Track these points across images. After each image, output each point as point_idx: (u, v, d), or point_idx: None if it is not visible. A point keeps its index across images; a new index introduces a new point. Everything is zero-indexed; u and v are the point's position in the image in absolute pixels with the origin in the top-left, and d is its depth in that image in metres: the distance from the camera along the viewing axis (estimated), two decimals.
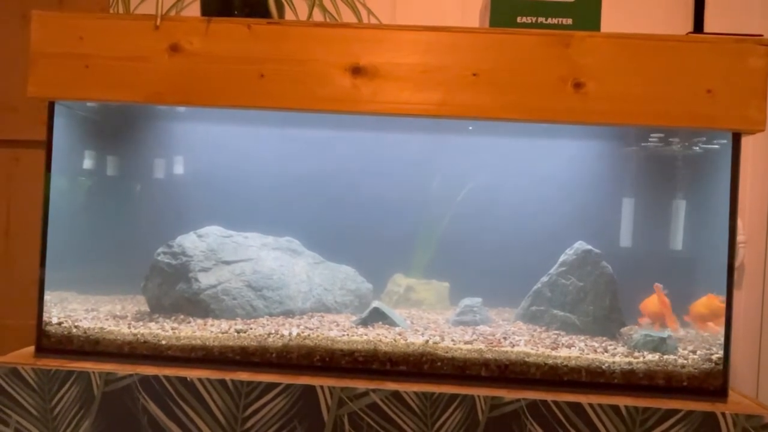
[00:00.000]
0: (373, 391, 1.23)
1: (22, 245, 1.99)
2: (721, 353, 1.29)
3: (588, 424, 1.21)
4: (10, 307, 1.97)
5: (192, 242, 1.50)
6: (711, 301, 1.37)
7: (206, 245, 1.50)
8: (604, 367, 1.28)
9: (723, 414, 1.19)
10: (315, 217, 1.61)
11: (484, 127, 1.51)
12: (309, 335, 1.34)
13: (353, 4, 1.53)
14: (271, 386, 1.24)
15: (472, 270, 1.61)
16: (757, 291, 1.95)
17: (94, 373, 1.26)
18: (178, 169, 1.63)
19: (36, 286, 1.36)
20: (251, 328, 1.36)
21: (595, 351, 1.33)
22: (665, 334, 1.35)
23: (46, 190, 1.35)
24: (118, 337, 1.34)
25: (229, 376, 1.26)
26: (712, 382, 1.27)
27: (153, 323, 1.40)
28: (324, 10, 1.54)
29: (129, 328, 1.36)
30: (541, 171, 1.59)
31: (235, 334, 1.34)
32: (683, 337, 1.41)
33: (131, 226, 1.61)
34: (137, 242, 1.59)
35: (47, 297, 1.36)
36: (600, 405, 1.21)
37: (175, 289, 1.46)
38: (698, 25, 1.93)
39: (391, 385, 1.25)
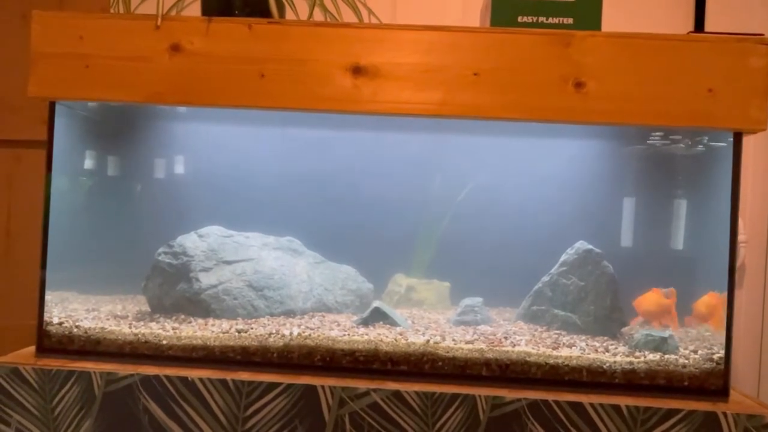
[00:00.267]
0: (374, 390, 1.23)
1: (23, 245, 1.99)
2: (722, 353, 1.28)
3: (589, 424, 1.21)
4: (11, 307, 1.97)
5: (193, 242, 1.50)
6: (710, 300, 1.38)
7: (207, 245, 1.50)
8: (605, 366, 1.28)
9: (724, 414, 1.19)
10: (316, 217, 1.61)
11: (485, 127, 1.51)
12: (310, 335, 1.34)
13: (354, 3, 1.53)
14: (272, 386, 1.24)
15: (473, 270, 1.61)
16: (758, 290, 1.95)
17: (95, 373, 1.26)
18: (179, 168, 1.63)
19: (37, 286, 1.36)
20: (252, 328, 1.36)
21: (596, 351, 1.33)
22: (666, 333, 1.35)
23: (46, 190, 1.35)
24: (119, 337, 1.34)
25: (230, 375, 1.26)
26: (713, 382, 1.27)
27: (154, 323, 1.40)
28: (325, 9, 1.54)
29: (130, 328, 1.36)
30: (541, 170, 1.59)
31: (236, 333, 1.34)
32: (683, 337, 1.41)
33: (132, 226, 1.61)
34: (138, 242, 1.59)
35: (48, 297, 1.36)
36: (601, 405, 1.21)
37: (175, 289, 1.46)
38: (699, 24, 1.93)
39: (392, 385, 1.25)
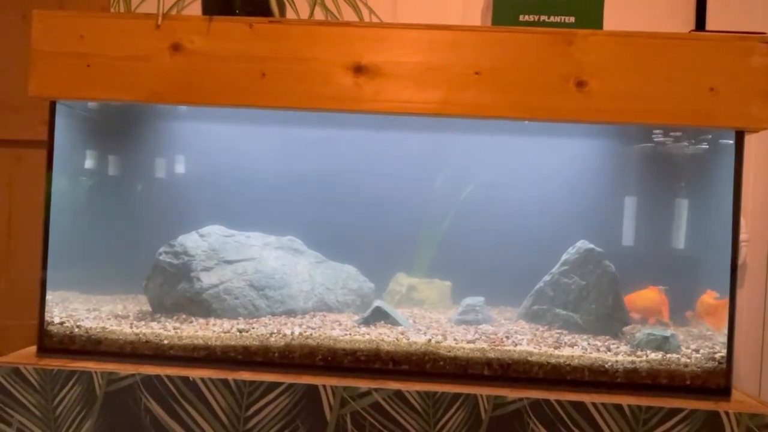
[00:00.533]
0: (376, 390, 1.23)
1: (24, 245, 1.99)
2: (724, 352, 1.28)
3: (591, 423, 1.21)
4: (12, 306, 1.97)
5: (194, 242, 1.50)
6: (707, 298, 1.38)
7: (208, 245, 1.50)
8: (607, 366, 1.28)
9: (726, 413, 1.19)
10: (317, 216, 1.61)
11: (486, 126, 1.51)
12: (311, 335, 1.34)
13: (354, 2, 1.52)
14: (274, 386, 1.24)
15: (474, 269, 1.61)
16: (760, 289, 1.95)
17: (96, 372, 1.26)
18: (180, 168, 1.63)
19: (38, 286, 1.36)
20: (253, 328, 1.36)
21: (598, 350, 1.32)
22: (668, 332, 1.35)
23: (47, 189, 1.35)
24: (120, 337, 1.33)
25: (231, 375, 1.26)
26: (715, 381, 1.27)
27: (155, 323, 1.40)
28: (325, 9, 1.54)
29: (131, 327, 1.36)
30: (543, 170, 1.59)
31: (238, 333, 1.34)
32: (677, 334, 1.41)
33: (133, 225, 1.61)
34: (139, 242, 1.59)
35: (49, 296, 1.36)
36: (603, 404, 1.21)
37: (176, 289, 1.45)
38: (700, 23, 1.93)
39: (393, 385, 1.25)
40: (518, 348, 1.32)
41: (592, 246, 1.48)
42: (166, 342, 1.33)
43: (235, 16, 1.32)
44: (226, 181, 1.61)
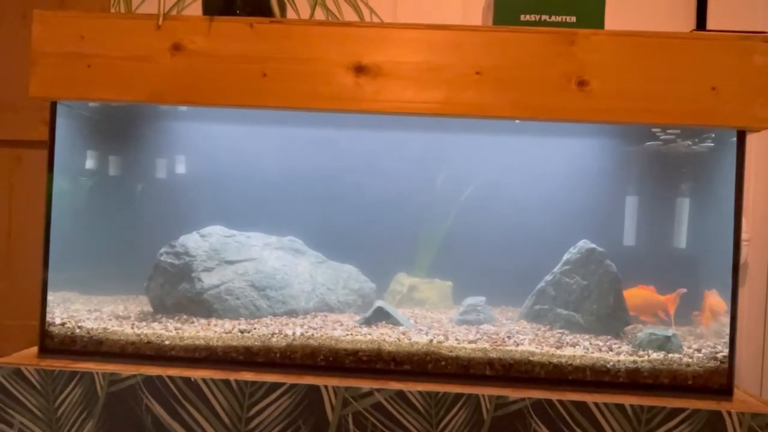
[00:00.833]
0: (378, 390, 1.23)
1: (24, 245, 1.99)
2: (725, 351, 1.28)
3: (593, 423, 1.21)
4: (12, 307, 1.97)
5: (195, 242, 1.50)
6: (708, 299, 1.38)
7: (209, 245, 1.50)
8: (608, 365, 1.28)
9: (729, 413, 1.19)
10: (318, 216, 1.61)
11: (487, 126, 1.51)
12: (313, 335, 1.33)
13: (355, 2, 1.52)
14: (275, 386, 1.24)
15: (475, 269, 1.61)
16: (761, 289, 1.95)
17: (97, 373, 1.26)
18: (181, 168, 1.63)
19: (38, 287, 1.36)
20: (255, 328, 1.36)
21: (600, 350, 1.32)
22: (670, 332, 1.34)
23: (48, 190, 1.35)
24: (122, 338, 1.33)
25: (233, 376, 1.26)
26: (717, 381, 1.27)
27: (156, 323, 1.40)
28: (326, 9, 1.53)
29: (132, 328, 1.36)
30: (544, 169, 1.59)
31: (239, 334, 1.34)
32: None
33: (134, 226, 1.61)
34: (140, 242, 1.58)
35: (50, 297, 1.36)
36: (605, 404, 1.21)
37: (178, 289, 1.45)
38: (700, 22, 1.93)
39: (395, 385, 1.25)
40: (520, 348, 1.32)
41: (593, 246, 1.48)
42: (167, 342, 1.33)
43: (235, 16, 1.32)
44: (227, 182, 1.61)
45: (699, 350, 1.32)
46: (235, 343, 1.32)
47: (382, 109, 1.27)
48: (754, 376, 1.94)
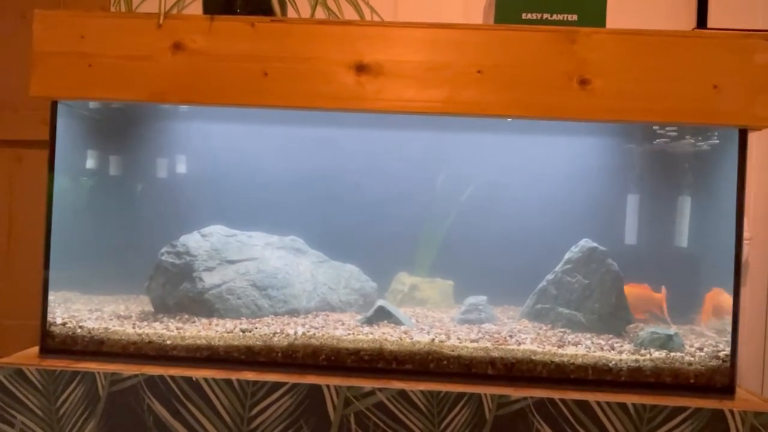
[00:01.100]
0: (380, 390, 1.23)
1: (25, 245, 1.99)
2: (727, 350, 1.28)
3: (595, 422, 1.20)
4: (13, 307, 1.97)
5: (196, 242, 1.50)
6: (710, 298, 1.38)
7: (210, 244, 1.50)
8: (610, 364, 1.28)
9: (731, 411, 1.19)
10: (319, 216, 1.61)
11: (489, 125, 1.50)
12: (314, 334, 1.33)
13: (355, 2, 1.52)
14: (277, 385, 1.24)
15: (477, 268, 1.61)
16: (762, 288, 1.95)
17: (99, 373, 1.25)
18: (182, 168, 1.63)
19: (38, 287, 1.35)
20: (256, 328, 1.36)
21: (602, 349, 1.32)
22: (671, 331, 1.34)
23: (49, 189, 1.35)
24: (123, 338, 1.33)
25: (234, 375, 1.25)
26: (719, 380, 1.27)
27: (157, 323, 1.39)
28: (327, 8, 1.53)
29: (134, 328, 1.36)
30: (545, 168, 1.59)
31: (240, 333, 1.34)
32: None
33: (134, 225, 1.61)
34: (141, 242, 1.58)
35: (51, 297, 1.36)
36: (607, 403, 1.20)
37: (179, 289, 1.45)
38: (701, 20, 1.93)
39: (397, 384, 1.25)
40: (522, 347, 1.32)
41: (595, 245, 1.48)
42: (168, 342, 1.32)
43: (236, 15, 1.31)
44: (228, 181, 1.61)
45: (701, 349, 1.32)
46: (236, 343, 1.32)
47: (384, 108, 1.27)
48: (755, 375, 1.94)
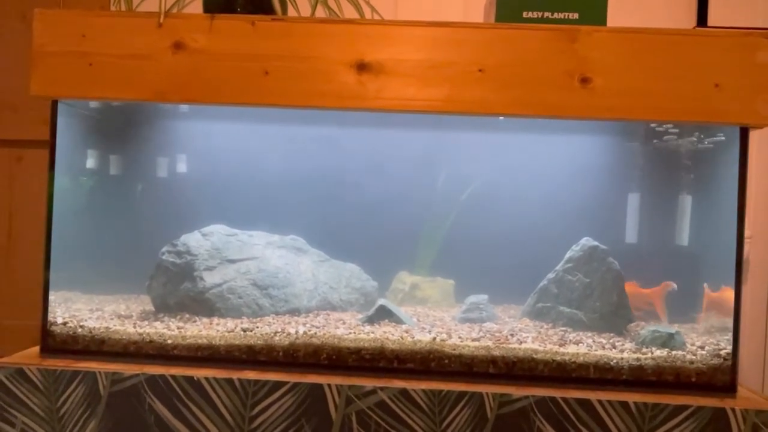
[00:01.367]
0: (381, 389, 1.23)
1: (25, 245, 1.99)
2: (729, 348, 1.28)
3: (597, 421, 1.20)
4: (13, 307, 1.96)
5: (196, 241, 1.49)
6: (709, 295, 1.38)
7: (211, 244, 1.50)
8: (612, 363, 1.28)
9: (732, 409, 1.19)
10: (319, 215, 1.61)
11: (490, 124, 1.50)
12: (315, 333, 1.33)
13: (356, 0, 1.52)
14: (279, 385, 1.24)
15: (478, 267, 1.61)
16: (763, 286, 1.95)
17: (100, 373, 1.25)
18: (182, 167, 1.63)
19: (39, 286, 1.35)
20: (257, 327, 1.36)
21: (603, 347, 1.32)
22: (673, 329, 1.34)
23: (50, 189, 1.35)
24: (124, 337, 1.33)
25: (235, 374, 1.25)
26: (720, 378, 1.27)
27: (158, 322, 1.39)
28: (327, 7, 1.53)
29: (135, 327, 1.36)
30: (546, 167, 1.59)
31: (242, 332, 1.34)
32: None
33: (135, 225, 1.60)
34: (141, 241, 1.58)
35: (51, 297, 1.36)
36: (609, 401, 1.20)
37: (180, 288, 1.45)
38: (701, 18, 1.93)
39: (398, 383, 1.25)
40: (523, 346, 1.32)
41: (596, 243, 1.48)
42: (169, 342, 1.32)
43: (237, 14, 1.31)
44: (229, 180, 1.61)
45: (702, 347, 1.32)
46: (237, 342, 1.32)
47: (385, 107, 1.27)
48: (756, 373, 1.94)
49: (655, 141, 1.49)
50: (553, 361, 1.28)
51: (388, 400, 1.22)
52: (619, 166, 1.57)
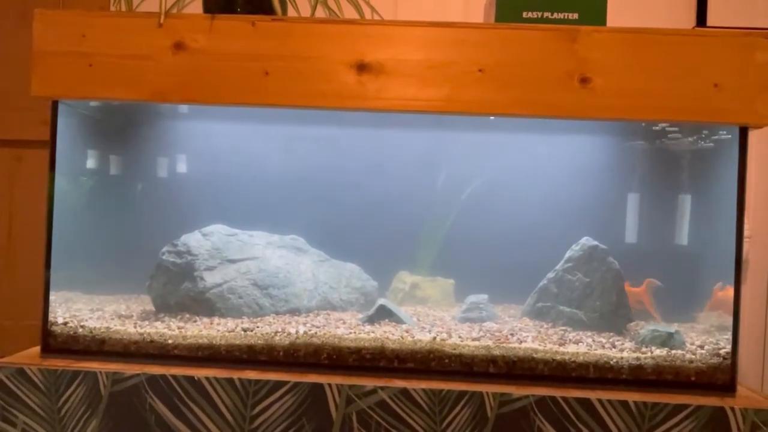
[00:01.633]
0: (381, 388, 1.23)
1: (25, 245, 1.99)
2: (728, 348, 1.28)
3: (597, 420, 1.21)
4: (13, 307, 1.96)
5: (197, 241, 1.50)
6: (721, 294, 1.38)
7: (211, 244, 1.50)
8: (612, 362, 1.28)
9: (732, 408, 1.19)
10: (320, 215, 1.61)
11: (490, 123, 1.51)
12: (316, 333, 1.33)
13: (356, 1, 1.52)
14: (279, 384, 1.24)
15: (478, 267, 1.61)
16: (762, 285, 1.95)
17: (100, 372, 1.26)
18: (182, 167, 1.63)
19: (39, 286, 1.35)
20: (258, 327, 1.36)
21: (603, 347, 1.32)
22: (672, 329, 1.35)
23: (50, 189, 1.35)
24: (125, 337, 1.33)
25: (236, 374, 1.26)
26: (720, 377, 1.27)
27: (159, 322, 1.39)
28: (327, 7, 1.53)
29: (135, 327, 1.36)
30: (546, 167, 1.59)
31: (242, 332, 1.34)
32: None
33: (135, 225, 1.61)
34: (142, 241, 1.58)
35: (52, 297, 1.36)
36: (609, 400, 1.21)
37: (180, 288, 1.45)
38: (701, 18, 1.93)
39: (399, 383, 1.25)
40: (523, 345, 1.32)
41: (596, 243, 1.48)
42: (170, 341, 1.32)
43: (237, 14, 1.31)
44: (229, 180, 1.61)
45: (702, 347, 1.32)
46: (238, 342, 1.32)
47: (385, 107, 1.27)
48: (755, 372, 1.94)
49: (654, 140, 1.49)
50: (553, 360, 1.29)
51: (388, 400, 1.23)
52: (618, 165, 1.57)
